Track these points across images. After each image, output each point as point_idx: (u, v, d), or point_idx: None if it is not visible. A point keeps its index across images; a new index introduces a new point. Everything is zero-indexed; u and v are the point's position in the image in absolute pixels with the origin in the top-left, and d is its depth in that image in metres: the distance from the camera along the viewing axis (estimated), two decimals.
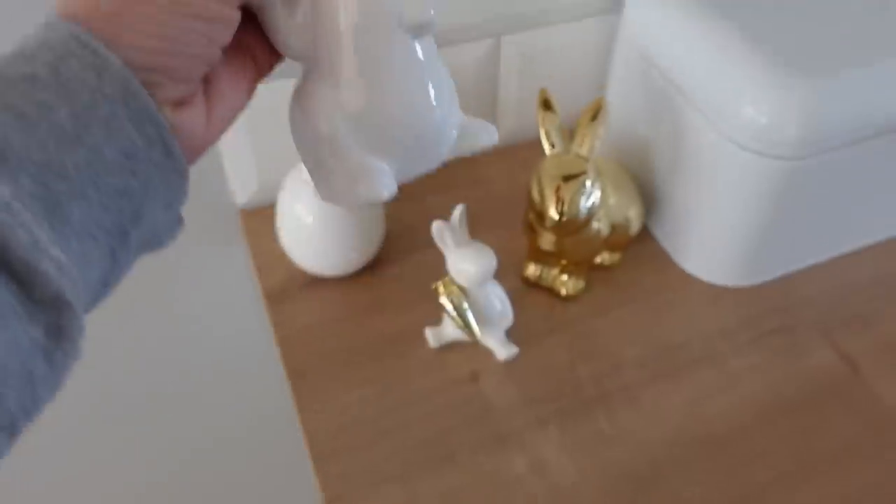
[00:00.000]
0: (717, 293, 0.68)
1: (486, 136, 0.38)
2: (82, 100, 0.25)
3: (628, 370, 0.62)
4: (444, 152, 0.36)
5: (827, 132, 0.57)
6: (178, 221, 0.30)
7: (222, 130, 0.32)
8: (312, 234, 0.64)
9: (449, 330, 0.62)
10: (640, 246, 0.70)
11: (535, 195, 0.59)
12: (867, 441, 0.58)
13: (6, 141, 0.24)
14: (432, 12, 0.32)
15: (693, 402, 0.60)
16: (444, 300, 0.59)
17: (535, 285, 0.68)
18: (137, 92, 0.26)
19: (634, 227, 0.67)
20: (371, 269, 0.68)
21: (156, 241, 0.30)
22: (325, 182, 0.36)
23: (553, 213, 0.57)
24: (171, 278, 0.79)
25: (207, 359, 0.88)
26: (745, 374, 0.62)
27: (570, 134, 0.60)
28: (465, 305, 0.59)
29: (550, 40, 0.74)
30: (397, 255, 0.70)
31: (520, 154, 0.79)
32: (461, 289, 0.59)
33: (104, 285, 0.28)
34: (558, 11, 0.72)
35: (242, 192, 0.72)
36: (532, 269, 0.68)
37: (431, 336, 0.63)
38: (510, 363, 0.62)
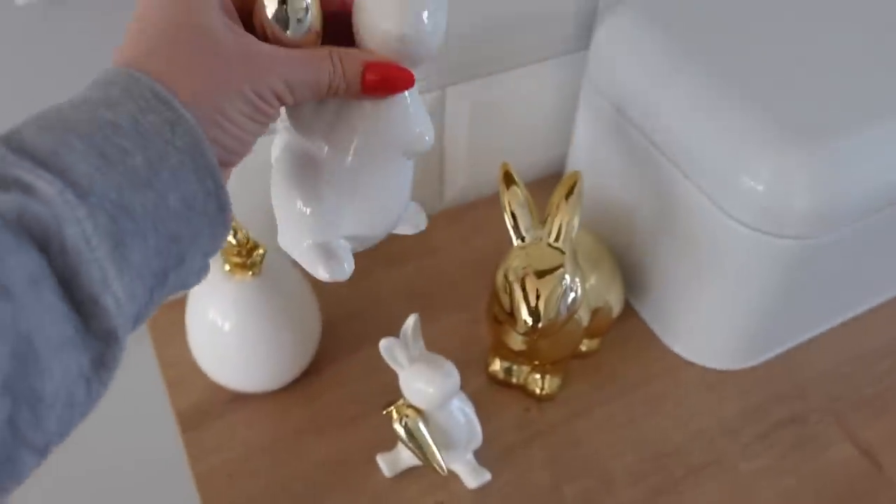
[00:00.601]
0: (714, 379, 0.59)
1: (417, 225, 0.41)
2: (157, 149, 0.27)
3: (621, 487, 0.52)
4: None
5: (844, 204, 0.48)
6: (207, 268, 0.32)
7: None
8: (231, 345, 0.52)
9: (405, 455, 0.51)
10: (621, 325, 0.60)
11: (504, 296, 0.48)
12: None
13: (90, 178, 0.25)
14: (432, 142, 0.36)
15: None
16: (398, 427, 0.48)
17: (504, 384, 0.57)
18: (205, 149, 0.28)
19: (616, 309, 0.57)
20: (307, 374, 0.57)
21: (184, 285, 0.31)
22: (288, 235, 0.37)
23: (526, 317, 0.47)
24: None
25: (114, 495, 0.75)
26: (757, 480, 0.53)
27: (537, 208, 0.49)
28: (425, 432, 0.48)
29: (504, 88, 0.63)
30: (338, 353, 0.59)
31: (471, 215, 0.69)
32: (418, 411, 0.48)
33: (136, 321, 0.28)
34: (513, 55, 0.62)
35: None
36: (498, 365, 0.57)
37: (384, 463, 0.52)
38: (482, 488, 0.52)
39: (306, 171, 0.36)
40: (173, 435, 0.56)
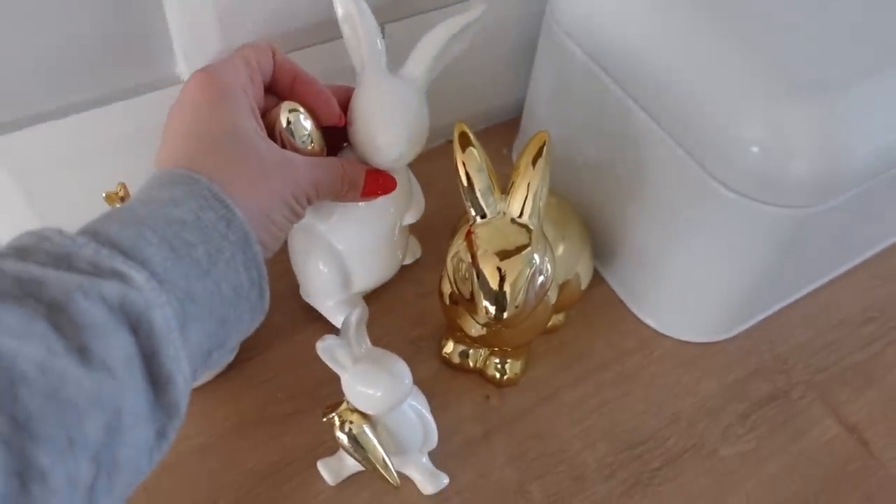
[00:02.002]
0: (690, 354, 0.53)
1: (414, 254, 0.56)
2: (215, 242, 0.31)
3: (594, 483, 0.47)
4: None
5: (845, 168, 0.41)
6: (237, 349, 0.37)
7: None
8: None
9: (350, 460, 0.45)
10: (588, 295, 0.53)
11: (461, 279, 0.41)
12: None
13: (164, 268, 0.29)
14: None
15: None
16: (340, 436, 0.41)
17: (459, 368, 0.51)
18: (252, 243, 0.32)
19: (585, 280, 0.50)
20: (233, 365, 0.49)
21: (218, 363, 0.34)
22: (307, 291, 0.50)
23: (489, 307, 0.40)
24: None
25: None
26: (740, 468, 0.48)
27: (502, 187, 0.42)
28: (373, 439, 0.41)
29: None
30: (269, 338, 0.51)
31: (416, 169, 0.61)
32: (364, 416, 0.41)
33: None
34: None
35: None
36: (452, 348, 0.50)
37: (326, 471, 0.45)
38: (439, 493, 0.46)
39: (318, 245, 0.47)
40: None
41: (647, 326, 0.54)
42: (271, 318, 0.50)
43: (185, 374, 0.29)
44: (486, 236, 0.40)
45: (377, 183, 0.42)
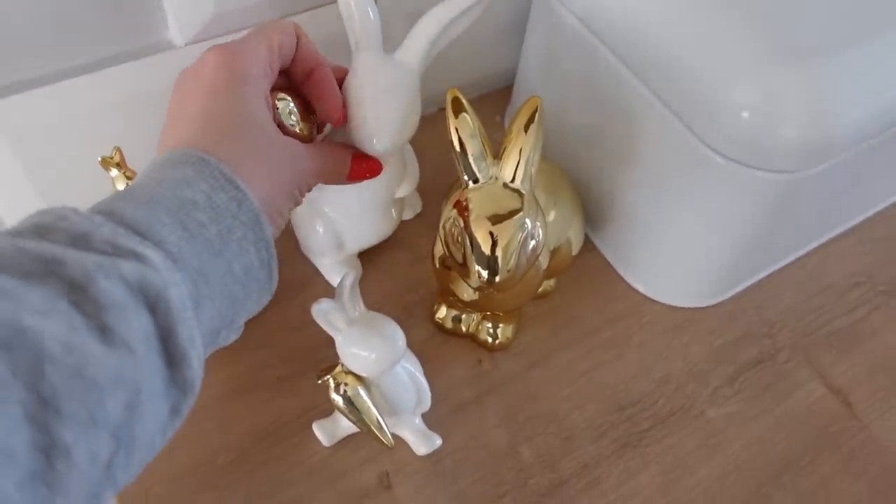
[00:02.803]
0: (679, 319, 0.54)
1: (414, 209, 0.57)
2: (226, 222, 0.31)
3: (583, 444, 0.48)
4: None
5: (835, 133, 0.42)
6: (242, 328, 0.35)
7: None
8: None
9: (345, 422, 0.45)
10: (578, 261, 0.54)
11: (454, 242, 0.41)
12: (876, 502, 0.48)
13: (179, 248, 0.30)
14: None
15: (669, 480, 0.47)
16: (335, 397, 0.42)
17: (451, 333, 0.51)
18: (263, 223, 0.33)
19: (577, 246, 0.51)
20: None
21: (225, 341, 0.34)
22: (309, 246, 0.52)
23: (481, 271, 0.40)
24: None
25: None
26: (727, 428, 0.49)
27: (495, 153, 0.42)
28: (367, 401, 0.42)
29: None
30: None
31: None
32: (358, 378, 0.42)
33: None
34: None
35: None
36: (444, 312, 0.51)
37: (322, 432, 0.46)
38: (432, 454, 0.47)
39: (313, 206, 0.49)
40: None
41: (637, 292, 0.55)
42: (286, 258, 0.52)
43: (198, 353, 0.29)
44: (479, 201, 0.40)
45: (363, 167, 0.43)
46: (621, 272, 0.55)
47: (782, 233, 0.51)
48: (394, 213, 0.52)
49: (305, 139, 0.41)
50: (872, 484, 0.48)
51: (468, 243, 0.40)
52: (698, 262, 0.51)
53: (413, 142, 0.50)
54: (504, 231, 0.40)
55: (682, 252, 0.51)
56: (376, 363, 0.41)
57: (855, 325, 0.55)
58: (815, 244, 0.58)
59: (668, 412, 0.50)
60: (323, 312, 0.40)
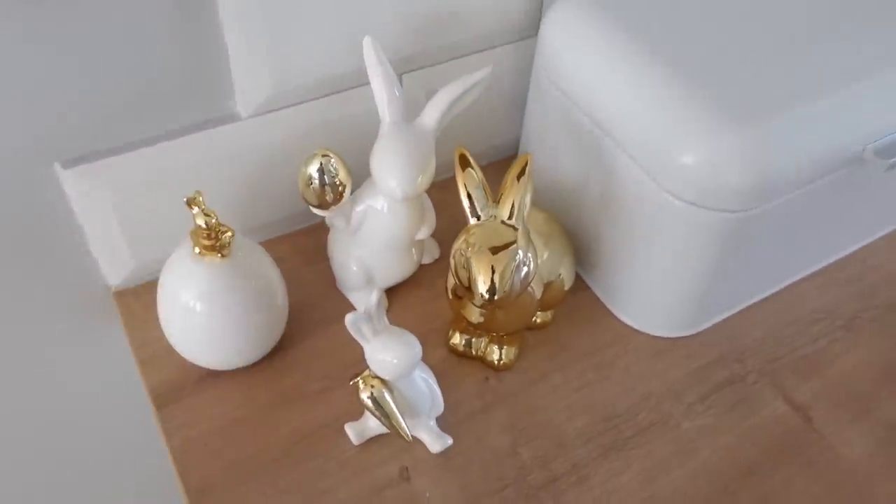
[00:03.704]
0: (660, 346, 0.63)
1: (433, 255, 0.68)
2: None
3: (574, 447, 0.56)
4: None
5: (774, 179, 0.52)
6: None
7: None
8: (202, 325, 0.54)
9: (372, 423, 0.54)
10: (573, 298, 0.63)
11: (461, 269, 0.51)
12: (830, 501, 0.55)
13: None
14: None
15: (647, 478, 0.55)
16: (364, 396, 0.51)
17: (464, 355, 0.61)
18: None
19: (568, 282, 0.60)
20: (276, 352, 0.59)
21: None
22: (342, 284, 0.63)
23: (482, 290, 0.50)
24: (41, 377, 0.67)
25: (88, 471, 0.77)
26: (699, 438, 0.57)
27: (491, 190, 0.52)
28: (390, 401, 0.51)
29: (458, 76, 0.66)
30: (304, 330, 0.61)
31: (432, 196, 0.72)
32: (383, 382, 0.51)
33: None
34: (466, 43, 0.65)
35: (114, 271, 0.62)
36: (458, 339, 0.60)
37: (352, 433, 0.55)
38: (444, 453, 0.55)
39: (348, 248, 0.60)
40: (147, 413, 0.58)
41: (624, 324, 0.64)
42: (311, 313, 0.62)
43: None
44: (481, 235, 0.51)
45: None
46: (609, 307, 0.64)
47: (743, 270, 0.60)
48: (414, 255, 0.62)
49: (341, 197, 0.53)
50: (828, 485, 0.55)
51: (472, 268, 0.50)
52: (672, 296, 0.60)
53: (432, 198, 0.61)
54: (501, 259, 0.50)
55: (657, 287, 0.60)
56: (398, 367, 0.50)
57: (816, 353, 0.63)
58: (781, 286, 0.67)
59: (648, 423, 0.58)
60: (353, 322, 0.49)
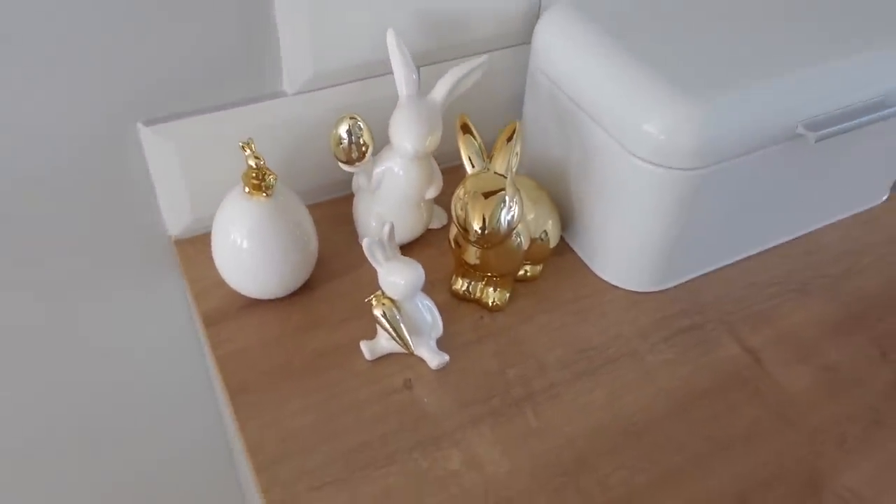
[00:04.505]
0: (632, 299, 0.73)
1: (441, 221, 0.79)
2: None
3: (552, 371, 0.66)
4: None
5: (720, 144, 0.63)
6: None
7: None
8: (248, 258, 0.66)
9: (383, 342, 0.65)
10: (560, 258, 0.75)
11: (459, 211, 0.63)
12: (770, 422, 0.64)
13: None
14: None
15: (613, 397, 0.65)
16: (377, 312, 0.62)
17: (464, 298, 0.72)
18: None
19: (553, 240, 0.72)
20: (306, 289, 0.71)
21: None
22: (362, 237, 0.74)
23: (476, 227, 0.61)
24: (105, 310, 0.79)
25: (141, 387, 0.89)
26: (660, 368, 0.67)
27: (489, 156, 0.64)
28: (398, 317, 0.62)
29: None
30: (330, 275, 0.73)
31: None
32: (392, 302, 0.62)
33: None
34: (476, 43, 0.78)
35: (175, 222, 0.74)
36: (460, 283, 0.71)
37: (366, 349, 0.66)
38: (442, 370, 0.66)
39: (368, 204, 0.72)
40: (195, 335, 0.70)
41: (602, 280, 0.74)
42: (336, 261, 0.73)
43: None
44: (476, 182, 0.62)
45: None
46: (590, 266, 0.75)
47: (706, 232, 0.71)
48: (424, 214, 0.73)
49: (365, 156, 0.65)
50: (770, 410, 0.65)
51: (468, 209, 0.62)
52: (642, 253, 0.71)
53: (444, 185, 0.73)
54: (491, 202, 0.61)
55: (629, 246, 0.71)
56: (405, 287, 0.61)
57: (770, 309, 0.73)
58: (743, 255, 0.77)
59: (617, 355, 0.68)
60: (369, 246, 0.61)
